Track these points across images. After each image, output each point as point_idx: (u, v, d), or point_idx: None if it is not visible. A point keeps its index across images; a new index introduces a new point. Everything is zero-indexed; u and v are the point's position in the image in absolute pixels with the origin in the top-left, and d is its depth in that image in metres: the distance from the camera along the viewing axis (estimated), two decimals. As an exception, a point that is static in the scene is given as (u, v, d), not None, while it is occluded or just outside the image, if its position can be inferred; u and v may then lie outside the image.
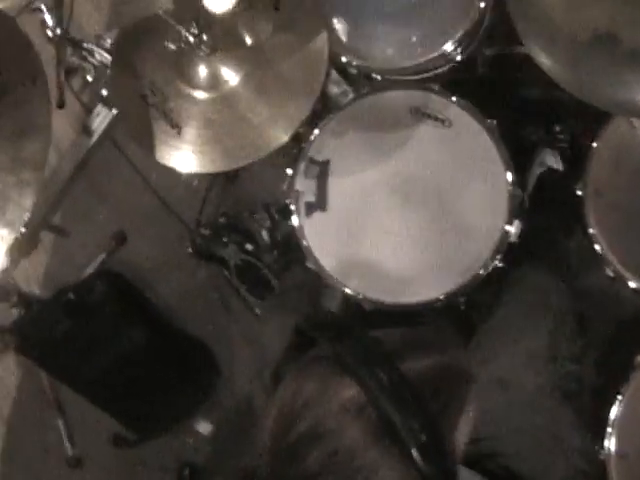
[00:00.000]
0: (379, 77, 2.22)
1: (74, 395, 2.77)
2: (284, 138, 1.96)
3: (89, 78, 2.24)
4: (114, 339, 2.63)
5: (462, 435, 1.24)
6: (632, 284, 2.10)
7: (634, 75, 1.92)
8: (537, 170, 2.50)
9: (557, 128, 2.41)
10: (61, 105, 2.17)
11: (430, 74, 2.26)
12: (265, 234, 2.65)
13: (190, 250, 2.73)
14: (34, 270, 3.05)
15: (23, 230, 2.18)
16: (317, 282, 2.17)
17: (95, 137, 2.31)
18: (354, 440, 1.15)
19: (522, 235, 2.13)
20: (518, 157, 2.42)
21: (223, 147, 1.99)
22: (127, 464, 2.87)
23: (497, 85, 2.44)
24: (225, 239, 2.68)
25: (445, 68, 2.25)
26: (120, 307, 2.63)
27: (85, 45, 2.21)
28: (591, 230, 2.12)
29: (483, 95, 2.30)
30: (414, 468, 1.14)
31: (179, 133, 1.99)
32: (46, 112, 1.87)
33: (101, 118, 2.30)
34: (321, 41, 2.00)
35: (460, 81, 2.32)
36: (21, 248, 2.25)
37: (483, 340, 2.16)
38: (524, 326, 2.17)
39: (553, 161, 2.50)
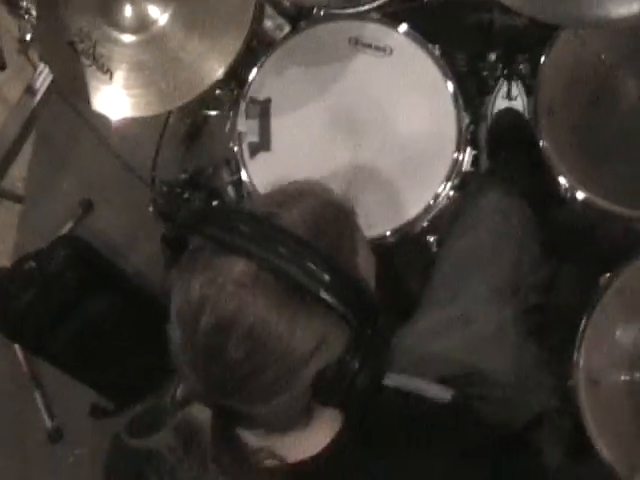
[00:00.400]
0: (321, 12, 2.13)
1: (50, 367, 2.71)
2: (218, 72, 1.93)
3: (27, 37, 2.18)
4: (79, 306, 2.57)
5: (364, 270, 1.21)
6: (580, 195, 2.05)
7: None
8: (500, 103, 2.43)
9: (519, 57, 2.32)
10: (1, 67, 2.13)
11: (373, 5, 2.18)
12: (231, 189, 2.58)
13: (151, 210, 2.66)
14: (3, 244, 3.00)
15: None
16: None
17: (39, 96, 2.26)
18: (262, 310, 1.11)
19: (479, 164, 2.11)
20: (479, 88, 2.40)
21: (157, 89, 1.96)
22: (108, 434, 2.80)
23: (447, 12, 2.36)
24: (187, 196, 2.61)
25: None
26: (83, 273, 2.57)
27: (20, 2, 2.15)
28: (543, 145, 2.07)
29: (433, 25, 2.23)
30: (331, 314, 1.11)
31: (111, 78, 1.95)
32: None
33: (44, 76, 2.25)
34: None
35: (408, 12, 2.25)
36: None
37: (447, 276, 2.08)
38: (488, 258, 2.09)
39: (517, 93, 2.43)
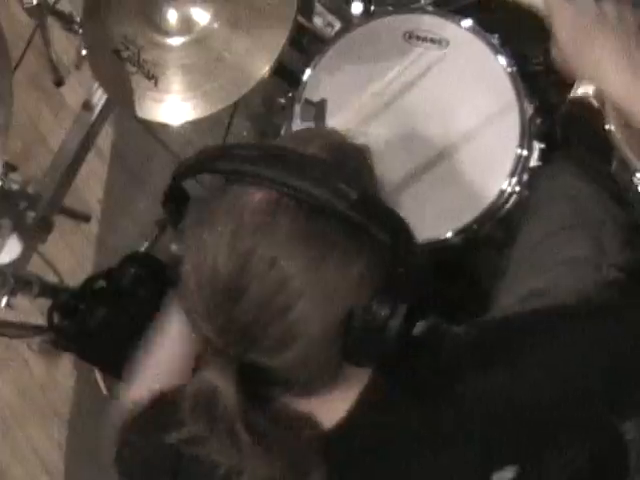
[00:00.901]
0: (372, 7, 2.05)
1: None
2: (264, 70, 1.86)
3: (83, 52, 2.16)
4: (150, 324, 2.53)
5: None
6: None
7: None
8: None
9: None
10: (59, 83, 2.12)
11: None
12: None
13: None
14: (79, 266, 3.00)
15: (33, 214, 2.13)
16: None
17: (97, 111, 2.23)
18: (284, 241, 1.04)
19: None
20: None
21: (203, 91, 1.91)
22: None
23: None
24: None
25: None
26: (154, 289, 2.53)
27: (68, 15, 2.14)
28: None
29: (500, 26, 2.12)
30: (361, 236, 1.05)
31: (156, 84, 1.90)
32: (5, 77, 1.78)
33: (101, 91, 2.23)
34: None
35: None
36: (34, 232, 2.19)
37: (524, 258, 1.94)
38: (563, 238, 1.94)
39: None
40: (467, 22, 2.00)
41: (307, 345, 1.07)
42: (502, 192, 1.91)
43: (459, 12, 2.09)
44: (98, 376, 2.84)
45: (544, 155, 1.98)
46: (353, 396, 1.18)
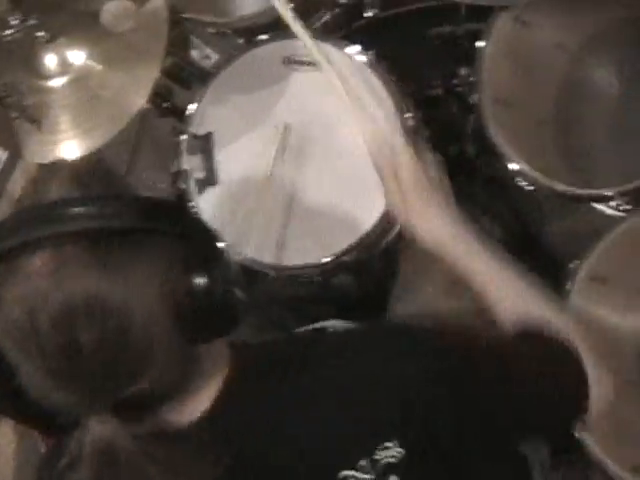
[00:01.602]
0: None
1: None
2: (140, 102, 1.91)
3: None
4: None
5: None
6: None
7: None
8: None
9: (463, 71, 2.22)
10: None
11: (317, 24, 2.20)
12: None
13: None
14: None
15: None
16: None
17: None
18: (80, 283, 1.05)
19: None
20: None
21: (83, 130, 1.94)
22: None
23: (405, 32, 2.31)
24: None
25: (328, 15, 2.14)
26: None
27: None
28: (490, 134, 1.98)
29: (396, 49, 2.18)
30: (147, 240, 1.09)
31: (39, 128, 1.93)
32: None
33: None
34: (159, 3, 1.95)
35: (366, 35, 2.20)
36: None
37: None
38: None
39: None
40: (354, 48, 2.03)
41: (161, 350, 1.08)
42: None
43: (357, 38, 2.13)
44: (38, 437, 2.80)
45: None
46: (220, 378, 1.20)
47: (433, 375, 1.22)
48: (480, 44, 1.99)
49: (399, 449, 1.20)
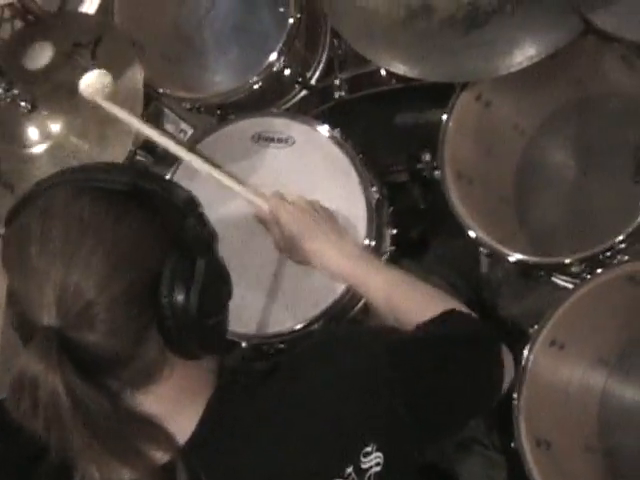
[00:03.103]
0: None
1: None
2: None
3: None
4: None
5: None
6: (512, 258, 1.98)
7: (456, 41, 1.94)
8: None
9: (427, 157, 2.31)
10: None
11: (287, 105, 2.32)
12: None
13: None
14: None
15: None
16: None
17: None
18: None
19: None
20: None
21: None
22: None
23: (370, 117, 2.40)
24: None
25: (297, 97, 2.25)
26: None
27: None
28: (455, 211, 2.05)
29: (349, 121, 2.26)
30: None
31: (12, 191, 1.98)
32: None
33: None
34: (135, 78, 2.05)
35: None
36: None
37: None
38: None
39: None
40: (324, 128, 2.10)
41: (111, 313, 1.12)
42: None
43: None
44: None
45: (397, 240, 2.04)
46: (203, 402, 1.23)
47: (387, 367, 1.29)
48: (443, 119, 2.05)
49: (378, 453, 1.24)
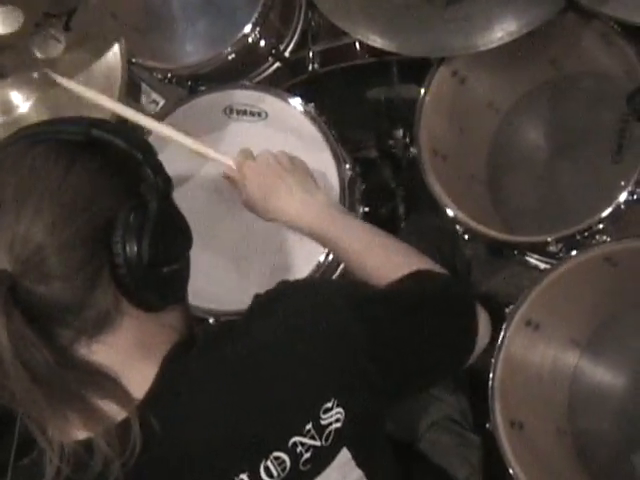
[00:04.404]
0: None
1: None
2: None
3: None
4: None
5: None
6: (490, 236, 1.98)
7: (435, 15, 1.94)
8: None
9: (399, 134, 2.33)
10: None
11: (259, 78, 2.27)
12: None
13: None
14: None
15: None
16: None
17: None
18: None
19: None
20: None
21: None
22: None
23: (343, 94, 2.37)
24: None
25: (270, 69, 2.24)
26: None
27: None
28: (430, 186, 2.03)
29: (334, 112, 2.22)
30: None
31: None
32: None
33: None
34: (114, 53, 1.98)
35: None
36: None
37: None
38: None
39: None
40: (297, 101, 2.08)
41: (61, 258, 1.10)
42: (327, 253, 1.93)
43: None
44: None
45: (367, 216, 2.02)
46: (159, 358, 1.20)
47: (351, 321, 1.26)
48: (420, 93, 2.05)
49: (339, 409, 1.22)
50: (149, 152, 1.22)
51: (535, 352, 1.93)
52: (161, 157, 1.25)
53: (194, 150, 1.75)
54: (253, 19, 2.12)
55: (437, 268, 1.50)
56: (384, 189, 2.47)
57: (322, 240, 1.61)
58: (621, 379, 2.00)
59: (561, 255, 1.90)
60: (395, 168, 2.45)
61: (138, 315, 1.18)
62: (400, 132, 2.36)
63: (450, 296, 1.43)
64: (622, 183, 1.82)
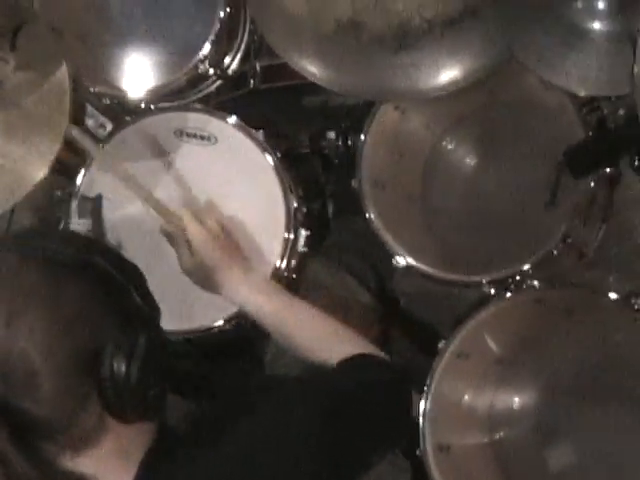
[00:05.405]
0: (143, 105, 2.16)
1: None
2: (42, 173, 1.90)
3: None
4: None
5: None
6: (422, 271, 2.09)
7: (384, 60, 1.97)
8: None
9: (331, 135, 2.39)
10: None
11: (200, 95, 2.27)
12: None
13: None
14: None
15: None
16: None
17: None
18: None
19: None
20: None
21: (-18, 196, 1.92)
22: None
23: (275, 97, 2.41)
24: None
25: (213, 86, 2.25)
26: None
27: None
28: (369, 218, 2.14)
29: (260, 109, 2.29)
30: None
31: None
32: None
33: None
34: (61, 74, 1.94)
35: (240, 101, 2.29)
36: None
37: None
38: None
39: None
40: (232, 119, 2.10)
41: (54, 382, 1.14)
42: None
43: (234, 105, 2.25)
44: None
45: (309, 242, 2.10)
46: (136, 463, 1.26)
47: (315, 426, 1.34)
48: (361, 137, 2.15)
49: None
50: (139, 280, 1.26)
51: (463, 378, 2.07)
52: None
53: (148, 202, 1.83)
54: (209, 45, 2.16)
55: (372, 349, 1.60)
56: (315, 183, 2.53)
57: (271, 323, 1.70)
58: (534, 393, 2.17)
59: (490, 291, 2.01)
60: (325, 167, 2.52)
61: (120, 426, 1.23)
62: (333, 134, 2.42)
63: (392, 391, 1.53)
64: (554, 230, 1.94)
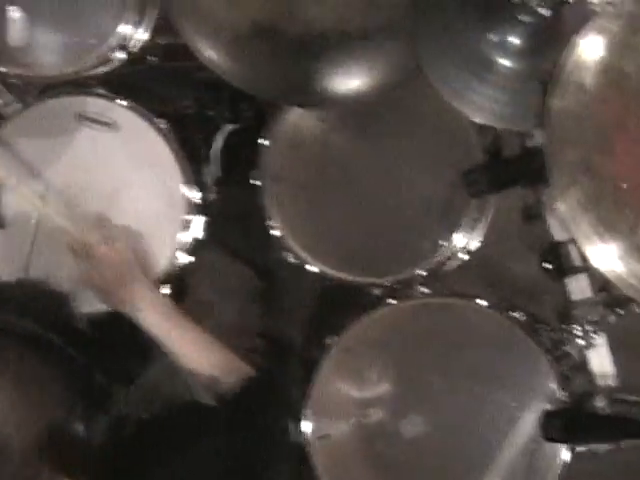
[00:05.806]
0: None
1: None
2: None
3: None
4: None
5: None
6: (313, 268, 2.16)
7: (295, 66, 2.01)
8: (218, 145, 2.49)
9: (242, 105, 2.39)
10: None
11: (98, 72, 2.22)
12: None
13: None
14: None
15: None
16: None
17: None
18: None
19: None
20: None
21: None
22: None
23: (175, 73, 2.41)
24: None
25: (113, 65, 2.21)
26: None
27: None
28: (271, 218, 2.18)
29: (162, 85, 2.30)
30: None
31: None
32: None
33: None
34: None
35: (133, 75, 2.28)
36: None
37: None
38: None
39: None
40: (124, 102, 2.12)
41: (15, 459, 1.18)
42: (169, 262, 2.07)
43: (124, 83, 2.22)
44: None
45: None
46: None
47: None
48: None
49: None
50: (100, 357, 1.29)
51: (348, 369, 2.17)
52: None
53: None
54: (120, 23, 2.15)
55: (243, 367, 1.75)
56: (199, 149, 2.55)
57: (162, 336, 1.79)
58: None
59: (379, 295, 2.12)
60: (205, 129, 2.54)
61: None
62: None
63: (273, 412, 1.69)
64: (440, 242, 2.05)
